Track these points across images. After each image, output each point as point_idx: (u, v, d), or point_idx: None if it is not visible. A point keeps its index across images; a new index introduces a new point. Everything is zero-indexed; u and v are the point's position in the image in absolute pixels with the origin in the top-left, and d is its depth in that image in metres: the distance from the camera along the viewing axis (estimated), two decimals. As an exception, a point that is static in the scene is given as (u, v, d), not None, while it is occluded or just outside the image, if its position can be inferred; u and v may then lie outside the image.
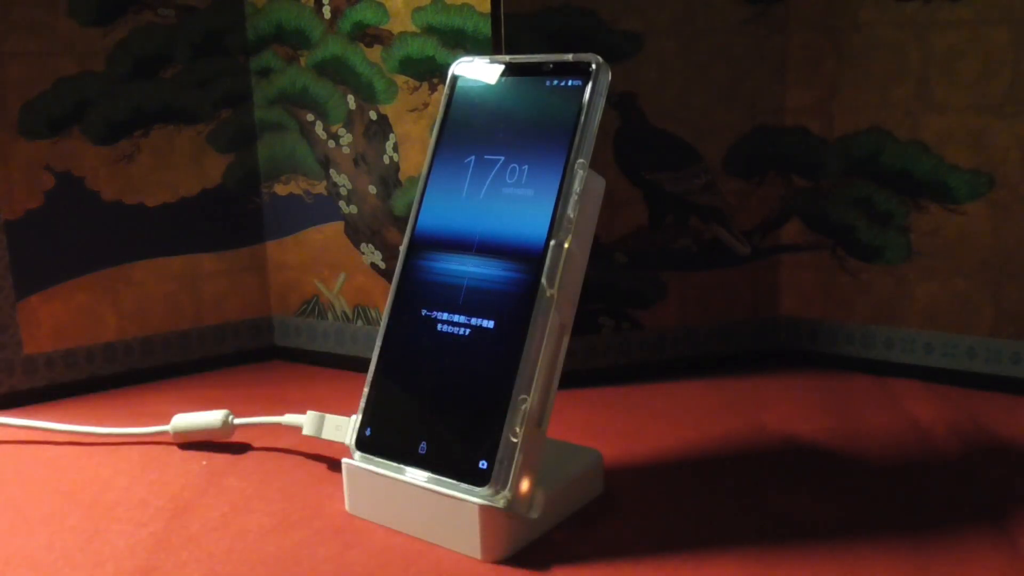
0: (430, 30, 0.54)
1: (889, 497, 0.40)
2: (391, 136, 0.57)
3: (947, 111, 0.53)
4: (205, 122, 0.60)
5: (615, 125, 0.55)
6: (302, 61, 0.59)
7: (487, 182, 0.38)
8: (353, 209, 0.59)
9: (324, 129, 0.59)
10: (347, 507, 0.40)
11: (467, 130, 0.40)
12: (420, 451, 0.36)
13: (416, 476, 0.36)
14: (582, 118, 0.36)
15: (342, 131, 0.58)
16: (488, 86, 0.40)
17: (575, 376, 0.55)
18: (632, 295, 0.57)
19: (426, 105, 0.55)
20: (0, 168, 0.54)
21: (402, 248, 0.40)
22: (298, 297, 0.63)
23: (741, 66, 0.56)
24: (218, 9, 0.60)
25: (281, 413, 0.46)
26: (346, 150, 0.59)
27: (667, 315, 0.58)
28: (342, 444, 0.40)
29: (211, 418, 0.47)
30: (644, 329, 0.58)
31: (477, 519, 0.35)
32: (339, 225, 0.60)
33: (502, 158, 0.38)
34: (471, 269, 0.37)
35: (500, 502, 0.34)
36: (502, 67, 0.40)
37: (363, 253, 0.59)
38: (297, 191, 0.61)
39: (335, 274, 0.61)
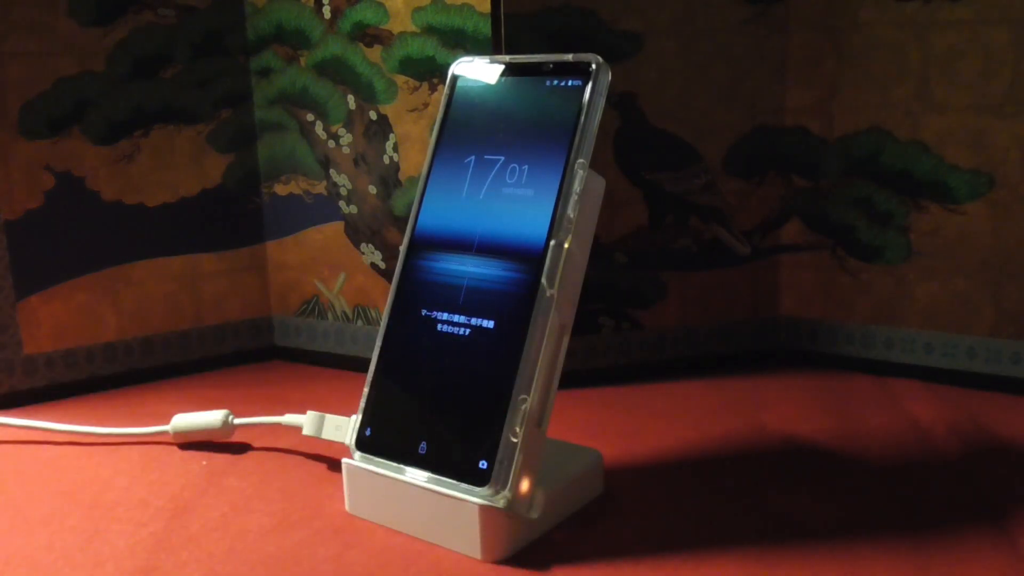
0: (430, 30, 0.54)
1: (889, 497, 0.40)
2: (391, 136, 0.57)
3: (947, 111, 0.53)
4: (205, 122, 0.60)
5: (615, 125, 0.55)
6: (302, 61, 0.59)
7: (487, 182, 0.38)
8: (353, 209, 0.59)
9: (324, 129, 0.59)
10: (347, 507, 0.40)
11: (467, 130, 0.40)
12: (420, 451, 0.36)
13: (416, 476, 0.36)
14: (582, 118, 0.36)
15: (342, 131, 0.58)
16: (488, 86, 0.40)
17: (575, 376, 0.55)
18: (632, 295, 0.57)
19: (426, 105, 0.55)
20: (0, 168, 0.54)
21: (402, 248, 0.40)
22: (298, 297, 0.63)
23: (741, 66, 0.56)
24: (218, 9, 0.60)
25: (281, 413, 0.46)
26: (346, 150, 0.59)
27: (667, 315, 0.58)
28: (342, 444, 0.40)
29: (211, 418, 0.47)
30: (644, 329, 0.58)
31: (477, 519, 0.35)
32: (339, 225, 0.60)
33: (502, 158, 0.38)
34: (471, 269, 0.37)
35: (500, 502, 0.34)
36: (502, 67, 0.40)
37: (363, 253, 0.59)
38: (297, 191, 0.61)
39: (335, 274, 0.61)
